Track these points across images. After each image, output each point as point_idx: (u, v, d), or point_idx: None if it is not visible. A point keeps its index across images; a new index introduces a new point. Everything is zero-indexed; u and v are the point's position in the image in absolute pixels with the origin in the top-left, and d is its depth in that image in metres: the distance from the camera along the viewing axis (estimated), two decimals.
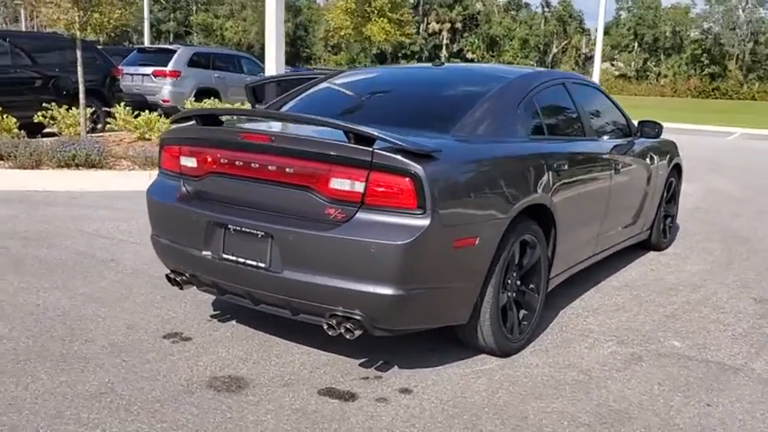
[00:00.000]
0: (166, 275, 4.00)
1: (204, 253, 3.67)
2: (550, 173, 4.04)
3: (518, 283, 3.97)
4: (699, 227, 7.78)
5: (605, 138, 5.17)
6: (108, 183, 8.56)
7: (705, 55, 73.25)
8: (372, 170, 3.20)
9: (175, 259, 3.93)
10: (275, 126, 3.93)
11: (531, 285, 4.08)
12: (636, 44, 75.08)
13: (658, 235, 6.43)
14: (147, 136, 11.13)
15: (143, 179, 7.56)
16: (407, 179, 3.16)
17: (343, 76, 5.29)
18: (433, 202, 3.18)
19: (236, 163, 3.59)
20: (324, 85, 4.96)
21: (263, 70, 14.74)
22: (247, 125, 4.00)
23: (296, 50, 75.42)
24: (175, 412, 3.14)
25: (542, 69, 6.22)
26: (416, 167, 3.17)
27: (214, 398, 3.29)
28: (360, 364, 3.73)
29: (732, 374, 3.82)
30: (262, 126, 3.93)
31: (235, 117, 4.42)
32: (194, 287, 3.99)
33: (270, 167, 3.47)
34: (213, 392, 3.35)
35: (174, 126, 4.08)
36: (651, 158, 5.89)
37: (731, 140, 22.54)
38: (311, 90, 4.88)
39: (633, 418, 3.28)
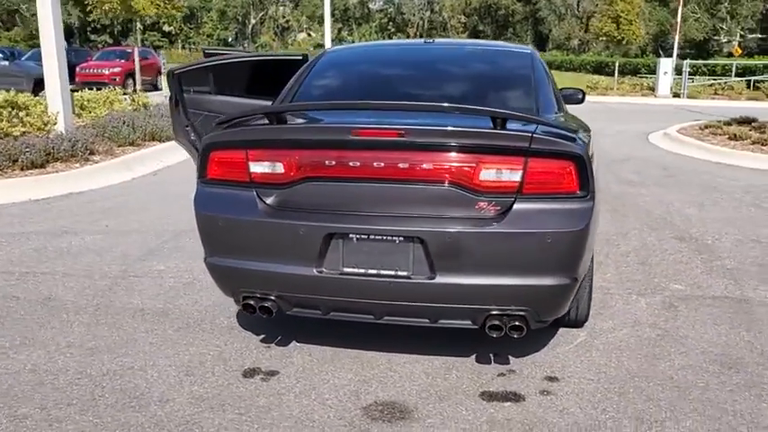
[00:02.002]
0: (244, 303, 3.36)
1: (314, 270, 3.16)
2: None
3: None
4: None
5: None
6: None
7: (391, 23, 78.92)
8: (531, 156, 3.04)
9: (256, 282, 3.32)
10: (364, 117, 3.43)
11: None
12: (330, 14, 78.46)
13: None
14: None
15: None
16: (571, 162, 3.06)
17: (345, 56, 4.79)
18: (593, 184, 3.13)
19: (351, 164, 3.13)
20: (333, 66, 4.44)
21: None
22: (327, 119, 3.47)
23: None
24: None
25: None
26: (578, 149, 3.09)
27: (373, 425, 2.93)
28: (482, 362, 3.56)
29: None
30: (338, 119, 3.45)
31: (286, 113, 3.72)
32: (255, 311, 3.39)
33: (401, 165, 3.09)
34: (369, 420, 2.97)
35: (225, 129, 3.39)
36: None
37: None
38: (324, 71, 4.30)
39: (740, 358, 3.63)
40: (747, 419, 3.01)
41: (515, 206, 3.05)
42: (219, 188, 3.36)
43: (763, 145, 10.76)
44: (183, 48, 69.79)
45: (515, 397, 3.21)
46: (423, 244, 3.06)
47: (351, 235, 3.13)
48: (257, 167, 3.26)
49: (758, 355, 3.67)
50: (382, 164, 3.10)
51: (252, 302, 3.34)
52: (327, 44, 31.07)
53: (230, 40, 74.91)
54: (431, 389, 3.27)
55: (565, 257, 3.09)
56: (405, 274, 3.10)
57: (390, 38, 77.59)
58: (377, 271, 3.13)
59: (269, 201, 3.25)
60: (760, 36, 51.60)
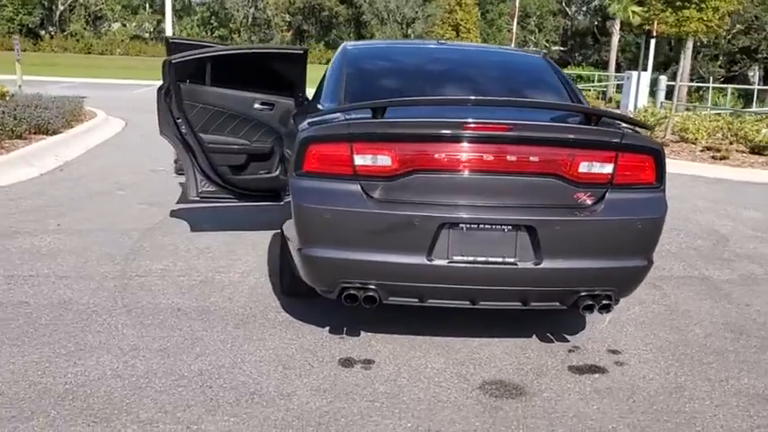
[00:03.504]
0: (346, 294, 3.39)
1: (425, 259, 3.29)
2: None
3: None
4: None
5: None
6: None
7: (214, 18, 76.94)
8: (620, 151, 3.39)
9: (359, 272, 3.36)
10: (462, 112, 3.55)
11: None
12: (148, 5, 74.54)
13: None
14: None
15: None
16: (651, 156, 3.45)
17: (378, 54, 4.80)
18: (665, 177, 3.55)
19: (460, 156, 3.30)
20: (373, 64, 4.48)
21: None
22: (431, 114, 3.54)
23: None
24: None
25: None
26: (657, 144, 3.50)
27: None
28: (545, 341, 3.86)
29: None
30: (440, 113, 3.54)
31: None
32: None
33: (509, 158, 3.31)
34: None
35: (326, 123, 3.39)
36: None
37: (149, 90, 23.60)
38: (366, 69, 4.34)
39: None
40: None
41: (607, 196, 3.39)
42: (319, 181, 3.36)
43: None
44: None
45: (598, 369, 3.55)
46: (530, 232, 3.30)
47: (461, 225, 3.29)
48: (363, 160, 3.31)
49: (754, 323, 4.31)
50: (491, 156, 3.30)
51: (354, 292, 3.37)
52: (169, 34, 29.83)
53: (33, 27, 68.80)
54: (523, 367, 3.52)
55: (646, 242, 3.48)
56: (511, 260, 3.32)
57: (212, 33, 75.72)
58: (485, 258, 3.32)
59: (375, 193, 3.31)
60: (561, 48, 56.83)
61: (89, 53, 61.48)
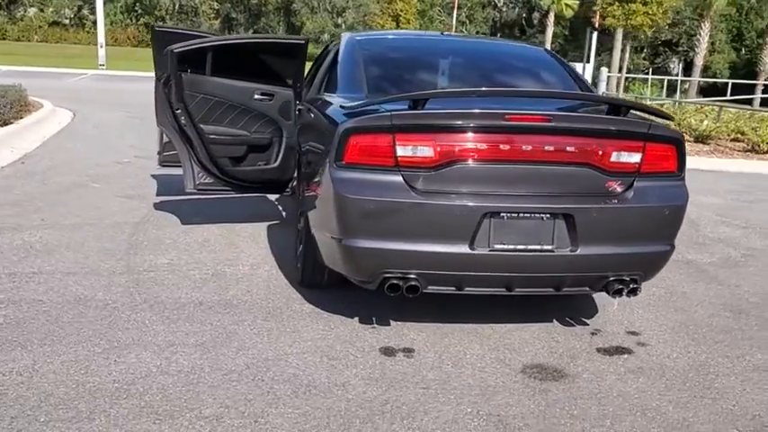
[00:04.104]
0: (389, 284, 3.42)
1: (467, 248, 3.36)
2: None
3: None
4: None
5: None
6: None
7: (138, 4, 74.52)
8: (648, 141, 3.55)
9: (401, 262, 3.40)
10: (492, 103, 3.62)
11: None
12: None
13: None
14: None
15: None
16: (674, 146, 3.62)
17: (389, 45, 4.79)
18: (686, 166, 3.72)
19: (501, 147, 3.38)
20: (387, 55, 4.48)
21: None
22: (470, 105, 3.58)
23: None
24: None
25: None
26: (679, 134, 3.67)
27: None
28: (566, 325, 4.00)
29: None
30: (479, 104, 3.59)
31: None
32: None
33: (547, 148, 3.41)
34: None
35: (366, 114, 3.40)
36: None
37: (81, 80, 23.35)
38: (380, 61, 4.35)
39: None
40: None
41: (636, 184, 3.53)
42: (360, 172, 3.38)
43: None
44: None
45: (625, 350, 3.71)
46: (567, 220, 3.41)
47: (502, 213, 3.37)
48: (405, 151, 3.35)
49: (748, 303, 4.57)
50: (530, 147, 3.39)
51: (397, 282, 3.41)
52: (100, 25, 28.92)
53: None
54: (555, 351, 3.64)
55: (670, 227, 3.65)
56: (549, 248, 3.43)
57: (138, 19, 73.43)
58: (524, 246, 3.42)
59: (417, 183, 3.36)
60: None
61: (4, 39, 58.58)
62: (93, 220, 5.56)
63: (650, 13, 21.15)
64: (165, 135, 6.00)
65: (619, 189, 3.52)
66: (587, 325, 4.02)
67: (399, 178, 3.35)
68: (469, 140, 3.37)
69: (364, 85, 4.00)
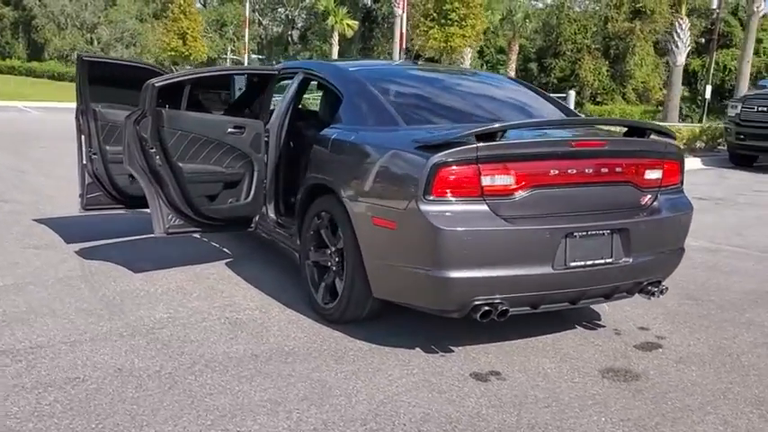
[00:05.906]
0: (481, 312, 3.51)
1: (550, 268, 3.58)
2: None
3: None
4: None
5: None
6: None
7: None
8: (665, 158, 4.05)
9: (491, 288, 3.52)
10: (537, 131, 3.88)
11: None
12: None
13: None
14: None
15: None
16: (679, 162, 4.17)
17: (387, 76, 4.70)
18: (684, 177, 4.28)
19: (569, 171, 3.65)
20: (391, 88, 4.47)
21: None
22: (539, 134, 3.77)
23: None
24: None
25: None
26: (681, 151, 4.21)
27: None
28: (588, 329, 4.36)
29: None
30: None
31: None
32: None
33: (603, 170, 3.76)
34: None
35: (451, 148, 3.45)
36: None
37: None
38: (389, 93, 4.35)
39: None
40: None
41: (659, 197, 4.02)
42: (449, 204, 3.45)
43: None
44: None
45: (655, 345, 4.14)
46: (622, 233, 3.78)
47: (575, 233, 3.64)
48: (489, 181, 3.48)
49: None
50: (591, 169, 3.72)
51: (488, 308, 3.52)
52: None
53: None
54: (607, 353, 3.97)
55: (684, 232, 4.19)
56: (610, 260, 3.77)
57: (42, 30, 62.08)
58: (592, 261, 3.72)
59: (501, 211, 3.51)
60: (260, 57, 58.07)
61: None
62: (29, 278, 4.84)
63: (466, 35, 22.90)
64: (87, 176, 5.47)
65: (650, 202, 3.97)
66: (605, 326, 4.41)
67: (485, 207, 3.47)
68: (544, 167, 3.59)
69: (397, 117, 4.04)
